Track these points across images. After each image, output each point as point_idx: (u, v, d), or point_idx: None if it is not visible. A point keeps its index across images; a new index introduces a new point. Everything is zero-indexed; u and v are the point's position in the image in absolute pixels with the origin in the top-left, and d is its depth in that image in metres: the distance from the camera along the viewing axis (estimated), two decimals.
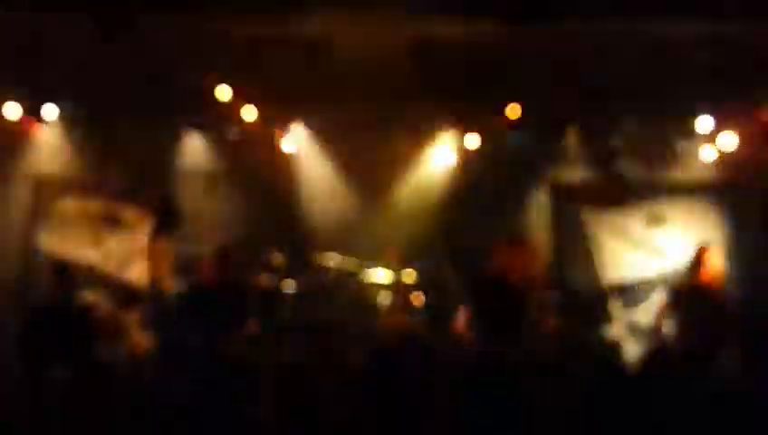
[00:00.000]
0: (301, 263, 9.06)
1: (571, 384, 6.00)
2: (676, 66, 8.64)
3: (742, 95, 8.74)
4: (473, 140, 9.65)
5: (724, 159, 9.36)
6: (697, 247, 7.83)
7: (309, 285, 8.88)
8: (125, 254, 9.43)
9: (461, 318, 7.26)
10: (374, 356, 4.20)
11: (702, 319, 7.44)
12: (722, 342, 7.13)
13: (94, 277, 9.31)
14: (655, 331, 7.87)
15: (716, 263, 7.63)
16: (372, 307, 8.84)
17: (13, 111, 8.79)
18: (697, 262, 7.67)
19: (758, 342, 7.67)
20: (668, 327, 7.74)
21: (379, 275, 8.89)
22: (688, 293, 7.66)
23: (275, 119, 9.32)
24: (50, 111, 9.01)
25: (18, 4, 7.42)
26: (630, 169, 9.58)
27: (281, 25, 8.16)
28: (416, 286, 9.22)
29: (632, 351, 8.94)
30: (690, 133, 9.29)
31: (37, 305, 7.93)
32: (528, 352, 5.84)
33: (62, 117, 9.11)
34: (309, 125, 9.49)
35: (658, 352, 7.44)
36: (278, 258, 8.86)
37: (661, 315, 7.88)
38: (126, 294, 8.03)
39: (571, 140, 9.49)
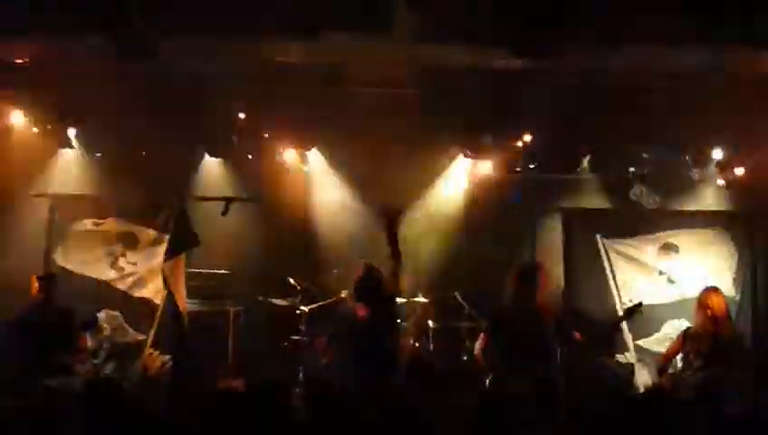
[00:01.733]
0: (315, 286, 9.10)
1: (583, 410, 6.00)
2: (689, 95, 8.67)
3: (756, 125, 8.77)
4: (486, 168, 9.71)
5: (738, 189, 9.39)
6: (702, 291, 7.85)
7: (324, 309, 8.91)
8: (140, 273, 9.49)
9: (478, 345, 7.26)
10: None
11: (708, 359, 7.47)
12: (731, 381, 7.12)
13: (109, 296, 9.38)
14: (661, 369, 7.90)
15: (720, 304, 7.64)
16: None
17: None
18: (702, 304, 7.70)
19: None
20: (677, 365, 7.78)
21: None
22: (693, 334, 7.69)
23: (290, 145, 9.39)
24: (71, 133, 9.11)
25: (38, 26, 7.50)
26: (644, 197, 9.60)
27: (296, 54, 8.23)
28: (428, 313, 9.24)
29: (643, 378, 8.97)
30: (704, 163, 9.32)
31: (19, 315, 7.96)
32: (542, 379, 5.84)
33: (81, 139, 9.20)
34: (323, 151, 9.55)
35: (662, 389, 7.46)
36: (294, 281, 8.90)
37: (669, 353, 7.92)
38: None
39: (585, 168, 9.51)
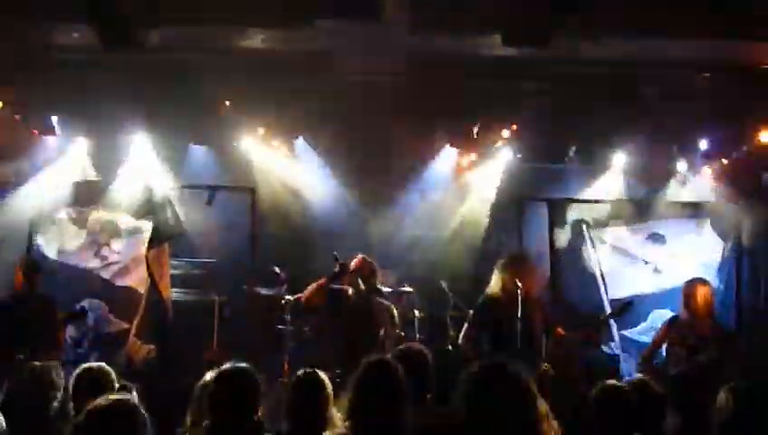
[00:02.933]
0: (301, 275, 9.06)
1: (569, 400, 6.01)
2: (677, 86, 8.67)
3: (743, 117, 8.79)
4: (472, 158, 9.70)
5: (724, 179, 9.42)
6: (687, 281, 7.86)
7: None
8: (124, 262, 9.43)
9: (464, 335, 7.26)
10: (371, 367, 4.17)
11: (691, 349, 7.48)
12: (713, 373, 7.13)
13: (92, 284, 9.32)
14: (647, 358, 7.91)
15: (706, 295, 7.64)
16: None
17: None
18: (687, 295, 7.71)
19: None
20: (662, 355, 7.80)
21: None
22: (678, 324, 7.71)
23: (277, 133, 9.34)
24: (56, 121, 9.02)
25: (25, 14, 7.39)
26: (631, 188, 9.62)
27: (281, 40, 8.17)
28: (413, 303, 9.23)
29: (629, 369, 9.00)
30: (691, 154, 9.35)
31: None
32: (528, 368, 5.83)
33: (66, 127, 9.11)
34: (310, 140, 9.50)
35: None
36: (280, 271, 8.86)
37: (654, 344, 7.94)
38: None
39: (571, 157, 9.51)
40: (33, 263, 8.15)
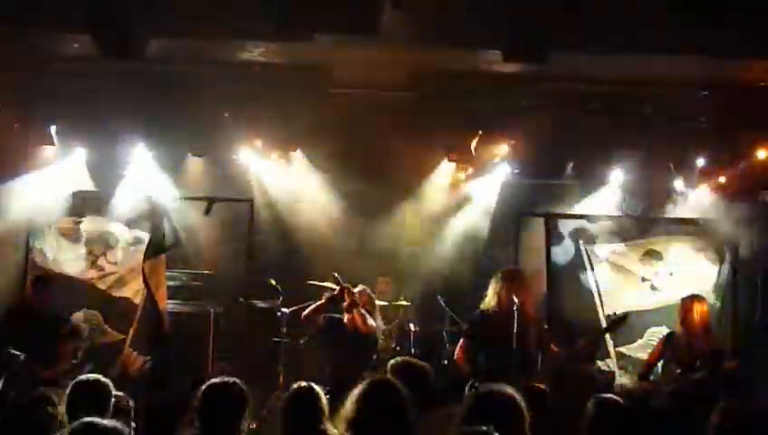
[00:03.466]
0: (297, 288, 9.06)
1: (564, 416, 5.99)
2: (674, 103, 8.69)
3: (740, 134, 8.82)
4: (470, 172, 9.71)
5: (721, 197, 9.43)
6: (684, 298, 7.87)
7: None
8: (120, 272, 9.42)
9: (459, 350, 7.26)
10: (375, 386, 4.17)
11: (686, 366, 7.49)
12: (708, 389, 7.14)
13: (88, 295, 9.30)
14: (643, 375, 7.92)
15: (702, 311, 7.66)
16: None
17: None
18: (683, 311, 7.72)
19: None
20: (658, 372, 7.80)
21: None
22: (674, 341, 7.71)
23: (276, 146, 9.35)
24: (54, 131, 9.02)
25: (25, 25, 7.41)
26: (629, 204, 9.64)
27: (281, 55, 8.19)
28: (409, 316, 9.23)
29: (625, 385, 8.98)
30: (689, 171, 9.36)
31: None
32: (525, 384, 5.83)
33: (64, 137, 9.11)
34: (308, 153, 9.52)
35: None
36: (276, 283, 8.86)
37: (650, 360, 7.94)
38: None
39: (569, 173, 9.53)
40: (46, 279, 8.15)
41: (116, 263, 9.46)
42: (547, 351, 7.19)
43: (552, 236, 9.66)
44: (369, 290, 7.82)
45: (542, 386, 6.21)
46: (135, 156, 9.26)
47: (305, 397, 4.76)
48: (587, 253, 9.58)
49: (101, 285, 9.38)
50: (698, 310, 7.63)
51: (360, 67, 8.38)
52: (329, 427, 4.63)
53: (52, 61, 8.21)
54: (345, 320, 7.56)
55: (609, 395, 4.74)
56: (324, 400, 4.75)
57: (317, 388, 4.80)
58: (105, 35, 7.03)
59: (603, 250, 9.62)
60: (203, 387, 4.48)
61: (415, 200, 9.78)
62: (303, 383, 4.81)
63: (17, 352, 6.96)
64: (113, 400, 4.84)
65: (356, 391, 4.13)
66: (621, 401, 4.66)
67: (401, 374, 4.77)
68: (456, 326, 8.75)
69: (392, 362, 5.19)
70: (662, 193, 9.63)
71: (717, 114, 8.58)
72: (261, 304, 9.07)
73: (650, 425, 4.85)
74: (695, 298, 7.81)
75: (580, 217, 9.75)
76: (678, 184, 9.53)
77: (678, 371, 7.54)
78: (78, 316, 8.98)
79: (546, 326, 7.49)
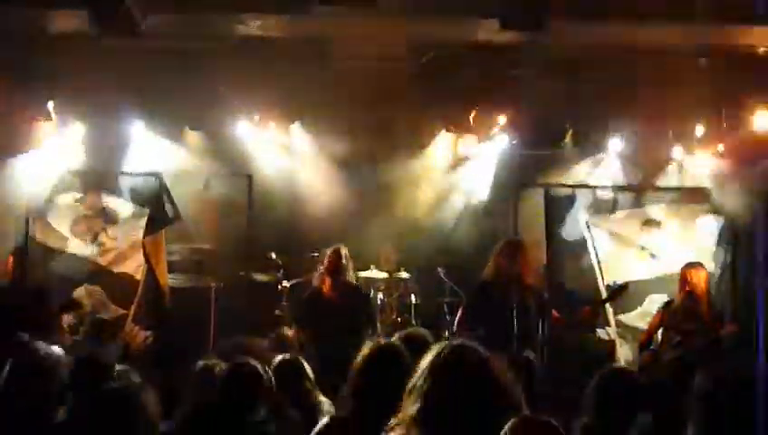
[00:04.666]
0: (297, 261, 9.08)
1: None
2: (673, 71, 8.66)
3: (739, 101, 8.79)
4: (470, 143, 9.69)
5: (720, 164, 9.42)
6: (683, 266, 7.89)
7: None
8: (121, 248, 9.42)
9: (459, 320, 7.28)
10: (378, 350, 4.16)
11: (686, 334, 7.52)
12: (707, 356, 7.17)
13: (90, 271, 9.31)
14: (644, 344, 7.95)
15: (701, 279, 7.67)
16: None
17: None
18: (683, 279, 7.74)
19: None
20: (658, 340, 7.83)
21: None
22: (673, 309, 7.73)
23: (275, 119, 9.32)
24: (52, 106, 8.99)
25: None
26: (628, 173, 9.63)
27: (280, 26, 8.15)
28: (410, 287, 9.25)
29: (625, 354, 9.03)
30: (687, 139, 9.35)
31: None
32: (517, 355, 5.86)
33: (62, 113, 9.08)
34: (307, 125, 9.49)
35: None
36: (276, 257, 8.87)
37: (650, 329, 7.97)
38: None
39: (568, 143, 9.51)
40: (23, 251, 8.11)
41: (116, 239, 9.46)
42: (548, 319, 7.21)
43: (552, 207, 9.65)
44: (337, 248, 7.67)
45: (529, 355, 6.26)
46: (133, 131, 9.24)
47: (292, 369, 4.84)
48: (586, 223, 9.58)
49: (102, 261, 9.38)
50: (698, 277, 7.65)
51: (359, 39, 8.34)
52: (321, 399, 4.70)
53: (50, 36, 8.18)
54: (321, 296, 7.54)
55: (614, 366, 4.76)
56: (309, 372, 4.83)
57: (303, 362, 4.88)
58: (103, 11, 7.00)
59: (602, 219, 9.61)
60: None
61: (414, 172, 9.76)
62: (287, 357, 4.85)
63: None
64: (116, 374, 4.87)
65: (360, 355, 4.08)
66: (626, 372, 4.68)
67: (408, 345, 4.79)
68: (457, 298, 8.77)
69: (397, 334, 5.18)
70: (661, 162, 9.62)
71: (717, 81, 8.56)
72: (261, 278, 9.08)
73: (652, 394, 4.85)
74: (694, 265, 7.83)
75: (580, 186, 9.73)
76: (678, 152, 9.52)
77: (678, 338, 7.57)
78: (80, 292, 8.99)
79: (546, 296, 7.50)
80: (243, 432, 4.34)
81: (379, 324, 7.90)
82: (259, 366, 4.54)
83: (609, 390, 4.39)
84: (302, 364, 4.96)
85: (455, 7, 7.44)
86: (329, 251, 7.65)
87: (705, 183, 9.58)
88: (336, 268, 7.57)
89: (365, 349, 4.01)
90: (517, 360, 5.31)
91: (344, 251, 7.66)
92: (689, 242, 9.45)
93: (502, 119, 9.25)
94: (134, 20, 7.03)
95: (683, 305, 7.65)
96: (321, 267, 7.68)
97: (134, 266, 9.31)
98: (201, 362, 5.23)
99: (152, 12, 7.21)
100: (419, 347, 4.83)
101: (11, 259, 7.75)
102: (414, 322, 8.83)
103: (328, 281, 7.58)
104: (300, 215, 9.65)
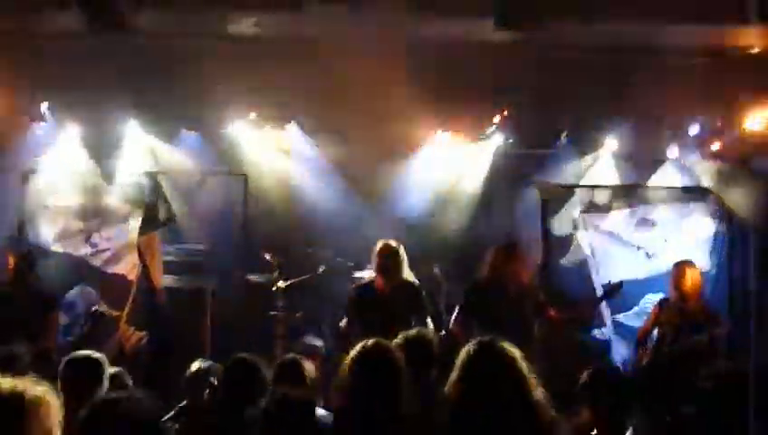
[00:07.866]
0: (293, 262, 9.06)
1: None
2: (668, 70, 8.66)
3: (734, 100, 8.80)
4: (466, 143, 9.68)
5: (715, 163, 9.42)
6: (675, 264, 7.89)
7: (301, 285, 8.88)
8: (115, 248, 9.40)
9: (454, 320, 7.27)
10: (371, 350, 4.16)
11: (680, 332, 7.52)
12: (701, 354, 7.18)
13: (84, 271, 9.29)
14: (639, 343, 7.95)
15: (693, 277, 7.67)
16: None
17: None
18: (675, 277, 7.74)
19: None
20: (653, 338, 7.82)
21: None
22: (667, 307, 7.74)
23: (271, 118, 9.30)
24: (45, 108, 8.97)
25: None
26: (623, 173, 9.64)
27: (271, 25, 8.13)
28: None
29: (621, 353, 9.02)
30: (682, 138, 9.35)
31: None
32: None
33: (56, 114, 9.05)
34: (303, 124, 9.47)
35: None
36: (271, 257, 8.84)
37: (646, 327, 7.96)
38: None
39: (563, 142, 9.51)
40: (25, 254, 8.09)
41: (110, 239, 9.43)
42: (544, 317, 7.20)
43: (547, 206, 9.65)
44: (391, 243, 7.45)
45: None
46: (127, 131, 9.21)
47: (292, 368, 4.83)
48: (581, 222, 9.58)
49: (96, 262, 9.36)
50: (690, 274, 7.66)
51: (353, 37, 8.33)
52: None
53: (41, 36, 8.15)
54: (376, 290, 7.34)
55: (605, 363, 4.78)
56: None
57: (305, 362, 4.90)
58: (93, 9, 6.99)
59: (597, 219, 9.60)
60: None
61: (410, 171, 9.75)
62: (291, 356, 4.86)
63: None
64: (108, 375, 4.83)
65: (350, 356, 4.06)
66: (617, 370, 4.69)
67: (410, 345, 4.78)
68: (453, 297, 8.75)
69: (401, 335, 5.11)
70: (656, 161, 9.62)
71: (713, 81, 8.56)
72: (256, 279, 9.06)
73: (646, 391, 4.86)
74: (685, 263, 7.84)
75: (576, 186, 9.73)
76: (672, 151, 9.52)
77: (672, 336, 7.57)
78: (74, 293, 8.96)
79: (541, 296, 7.49)
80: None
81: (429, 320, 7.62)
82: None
83: (597, 387, 4.42)
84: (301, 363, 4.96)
85: (448, 6, 7.43)
86: (377, 247, 7.41)
87: (701, 182, 9.59)
88: (385, 266, 7.32)
89: (353, 350, 4.02)
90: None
91: (393, 245, 7.42)
92: (685, 241, 9.44)
93: (497, 118, 9.25)
94: (125, 19, 7.01)
95: (676, 303, 7.65)
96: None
97: (128, 267, 9.28)
98: (196, 364, 5.22)
99: (143, 11, 7.20)
100: (423, 348, 4.86)
101: (11, 260, 7.74)
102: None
103: (379, 278, 7.41)
104: (295, 215, 9.64)
